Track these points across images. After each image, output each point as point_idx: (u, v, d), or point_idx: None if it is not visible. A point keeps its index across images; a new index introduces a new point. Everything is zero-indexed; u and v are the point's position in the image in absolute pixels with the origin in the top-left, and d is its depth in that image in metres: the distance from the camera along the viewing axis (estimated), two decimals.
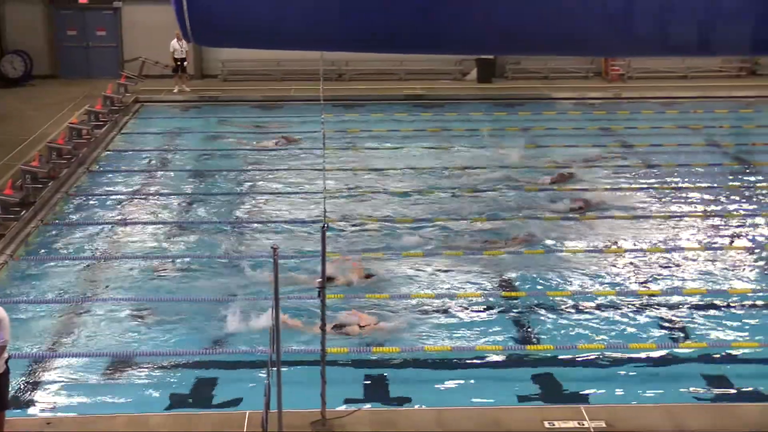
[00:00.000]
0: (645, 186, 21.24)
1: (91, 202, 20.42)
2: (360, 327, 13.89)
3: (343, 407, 11.50)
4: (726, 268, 16.34)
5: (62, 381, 12.64)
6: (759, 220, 18.94)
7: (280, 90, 31.47)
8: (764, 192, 20.86)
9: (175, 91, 31.47)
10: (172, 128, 27.63)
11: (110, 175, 22.49)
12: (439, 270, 16.32)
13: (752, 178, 21.97)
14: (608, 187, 21.11)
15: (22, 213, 18.47)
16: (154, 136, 26.77)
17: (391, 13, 7.09)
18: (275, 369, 10.22)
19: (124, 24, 33.98)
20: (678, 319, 14.40)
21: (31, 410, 11.93)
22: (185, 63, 31.55)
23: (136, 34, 33.42)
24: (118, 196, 20.77)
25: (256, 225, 18.95)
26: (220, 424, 11.27)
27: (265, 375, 10.55)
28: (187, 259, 16.98)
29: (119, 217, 19.32)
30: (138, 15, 33.22)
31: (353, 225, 18.58)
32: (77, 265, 16.76)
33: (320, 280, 10.66)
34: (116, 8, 33.92)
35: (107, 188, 21.49)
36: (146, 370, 12.92)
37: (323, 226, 10.38)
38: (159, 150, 25.25)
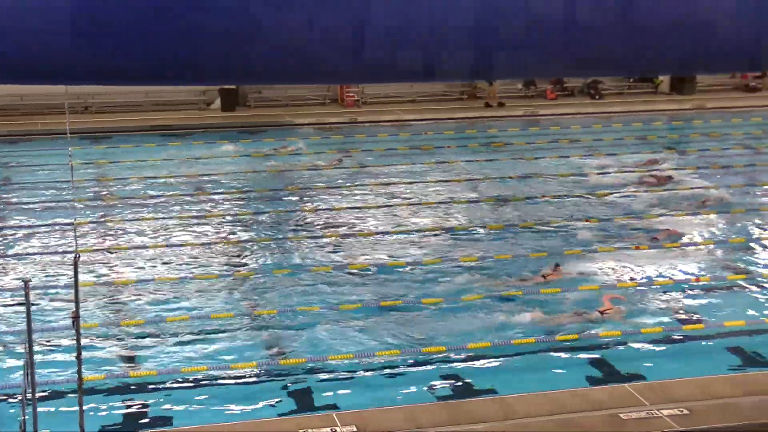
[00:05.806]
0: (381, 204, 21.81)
1: None
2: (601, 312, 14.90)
3: None
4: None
5: None
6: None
7: (25, 124, 30.15)
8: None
9: None
10: None
11: None
12: None
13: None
14: (346, 206, 21.56)
15: None
16: None
17: (132, 48, 6.98)
18: (30, 401, 9.81)
19: None
20: (416, 326, 14.85)
21: None
22: None
23: None
24: None
25: (9, 260, 18.10)
26: None
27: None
28: None
29: None
30: None
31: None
32: None
33: (74, 310, 10.23)
34: None
35: None
36: None
37: (75, 256, 10.03)
38: None
